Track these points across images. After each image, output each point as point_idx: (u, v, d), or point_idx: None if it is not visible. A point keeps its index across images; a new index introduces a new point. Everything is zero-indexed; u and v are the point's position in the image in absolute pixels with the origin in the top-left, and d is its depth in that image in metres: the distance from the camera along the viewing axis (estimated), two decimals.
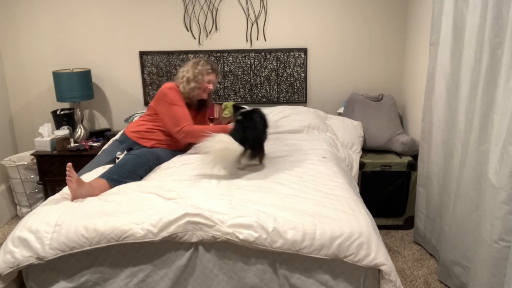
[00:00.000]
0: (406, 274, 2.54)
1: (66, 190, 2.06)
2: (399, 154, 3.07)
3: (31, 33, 3.44)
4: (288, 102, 3.53)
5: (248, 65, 3.46)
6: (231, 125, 2.45)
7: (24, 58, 3.49)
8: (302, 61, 3.43)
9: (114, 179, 2.13)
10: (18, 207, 3.43)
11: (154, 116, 2.62)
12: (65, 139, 3.26)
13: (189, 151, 2.66)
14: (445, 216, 2.43)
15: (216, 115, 2.95)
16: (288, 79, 3.48)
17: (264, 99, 3.53)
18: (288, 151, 2.58)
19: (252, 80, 3.50)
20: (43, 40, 3.45)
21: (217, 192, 1.95)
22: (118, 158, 2.53)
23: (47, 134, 3.31)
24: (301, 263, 1.71)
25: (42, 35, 3.44)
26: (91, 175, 2.24)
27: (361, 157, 2.99)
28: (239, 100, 3.53)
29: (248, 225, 1.69)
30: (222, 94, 3.53)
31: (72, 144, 3.29)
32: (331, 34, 3.40)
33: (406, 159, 2.98)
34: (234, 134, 2.20)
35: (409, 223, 3.05)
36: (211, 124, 2.88)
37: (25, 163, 3.30)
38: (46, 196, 3.34)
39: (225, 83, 3.50)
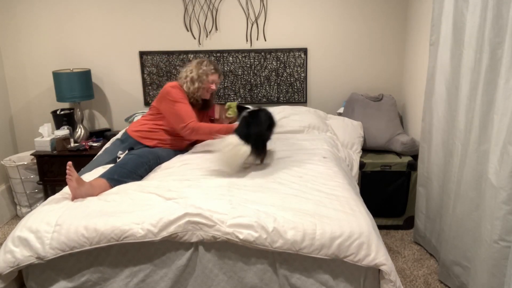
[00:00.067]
0: (406, 274, 2.54)
1: (66, 190, 2.06)
2: (399, 154, 3.07)
3: (31, 33, 3.44)
4: (288, 102, 3.53)
5: (248, 65, 3.46)
6: (235, 124, 2.45)
7: (24, 58, 3.49)
8: (302, 61, 3.43)
9: (115, 178, 2.13)
10: (18, 207, 3.43)
11: (157, 116, 2.62)
12: (65, 139, 3.26)
13: (189, 151, 2.66)
14: (445, 216, 2.43)
15: (216, 115, 2.94)
16: (288, 79, 3.48)
17: (264, 99, 3.53)
18: (288, 151, 2.58)
19: (252, 80, 3.49)
20: (43, 40, 3.45)
21: (217, 192, 1.95)
22: (119, 157, 2.53)
23: (47, 134, 3.30)
24: (301, 263, 1.71)
25: (42, 35, 3.44)
26: (91, 175, 2.24)
27: (361, 157, 2.99)
28: (239, 100, 3.53)
29: (248, 225, 1.69)
30: (222, 94, 3.53)
31: (72, 144, 3.29)
32: (331, 34, 3.40)
33: (406, 159, 2.98)
34: (239, 131, 2.22)
35: (409, 223, 3.05)
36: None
37: (25, 163, 3.30)
38: (46, 196, 3.34)
39: (225, 83, 3.50)
